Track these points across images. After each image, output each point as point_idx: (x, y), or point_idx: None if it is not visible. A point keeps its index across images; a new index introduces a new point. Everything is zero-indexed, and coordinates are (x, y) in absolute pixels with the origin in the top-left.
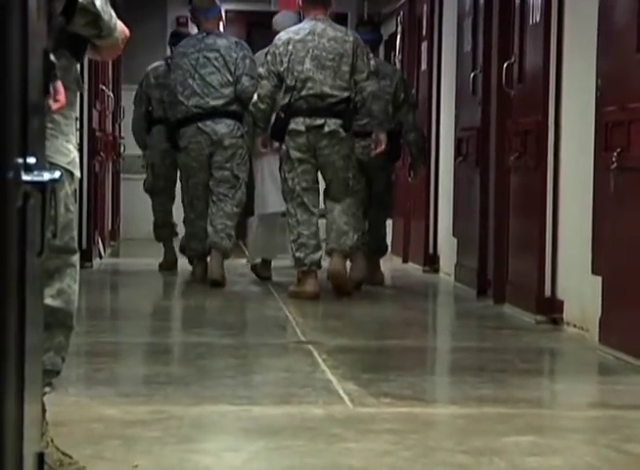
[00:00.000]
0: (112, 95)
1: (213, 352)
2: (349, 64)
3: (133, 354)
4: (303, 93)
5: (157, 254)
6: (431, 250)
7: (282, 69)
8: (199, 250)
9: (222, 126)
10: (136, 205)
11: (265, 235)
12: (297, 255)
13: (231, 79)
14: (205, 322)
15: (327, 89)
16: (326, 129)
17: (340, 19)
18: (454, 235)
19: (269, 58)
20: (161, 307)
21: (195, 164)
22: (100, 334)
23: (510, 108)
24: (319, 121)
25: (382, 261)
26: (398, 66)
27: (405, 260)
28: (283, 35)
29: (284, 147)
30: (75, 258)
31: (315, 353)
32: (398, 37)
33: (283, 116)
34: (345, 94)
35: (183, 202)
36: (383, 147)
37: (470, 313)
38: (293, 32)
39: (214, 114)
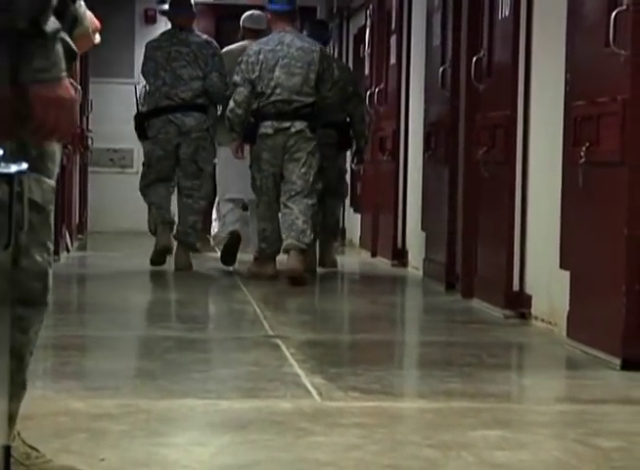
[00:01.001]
0: (79, 87)
1: (181, 346)
2: (316, 71)
3: (100, 348)
4: (272, 99)
5: (124, 247)
6: (399, 244)
7: (254, 76)
8: (163, 216)
9: (190, 119)
10: (104, 198)
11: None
12: (262, 245)
13: (200, 74)
14: (172, 316)
15: (294, 95)
16: (292, 130)
17: (309, 12)
18: (423, 229)
19: (243, 66)
20: (129, 301)
21: (161, 152)
22: (67, 327)
23: (479, 102)
24: (286, 124)
25: (351, 255)
26: (367, 59)
27: (374, 255)
28: (254, 46)
29: (255, 149)
30: None
31: (283, 347)
32: (367, 31)
33: (253, 120)
34: (310, 99)
35: (142, 189)
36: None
37: (438, 308)
38: (263, 43)
39: (183, 106)
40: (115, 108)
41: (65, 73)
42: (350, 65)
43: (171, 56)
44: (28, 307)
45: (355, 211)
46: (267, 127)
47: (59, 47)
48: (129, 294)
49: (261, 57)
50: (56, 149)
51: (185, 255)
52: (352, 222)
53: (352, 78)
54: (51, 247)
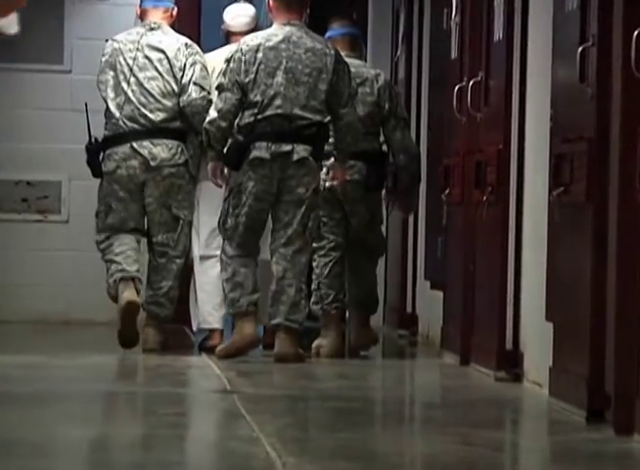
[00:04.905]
0: None
1: None
2: (328, 81)
3: None
4: (268, 113)
5: (48, 346)
6: (508, 343)
7: (247, 80)
8: (123, 269)
9: (162, 149)
10: (11, 264)
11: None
12: (232, 295)
13: (176, 89)
14: (129, 465)
15: (297, 110)
16: (294, 157)
17: None
18: (549, 319)
19: (233, 65)
20: (57, 439)
21: (123, 193)
22: None
23: None
24: (286, 148)
25: (426, 359)
26: (456, 33)
27: (465, 360)
28: (250, 40)
29: (238, 177)
30: None
31: None
32: None
33: (242, 139)
34: (318, 117)
35: (100, 243)
36: (340, 180)
37: (576, 451)
38: (263, 38)
39: (153, 131)
40: (32, 113)
41: None
42: (426, 42)
43: (137, 63)
44: None
45: (434, 286)
46: (262, 150)
47: None
48: (58, 426)
49: (260, 56)
50: None
51: (156, 331)
52: (429, 305)
53: (390, 92)
54: None
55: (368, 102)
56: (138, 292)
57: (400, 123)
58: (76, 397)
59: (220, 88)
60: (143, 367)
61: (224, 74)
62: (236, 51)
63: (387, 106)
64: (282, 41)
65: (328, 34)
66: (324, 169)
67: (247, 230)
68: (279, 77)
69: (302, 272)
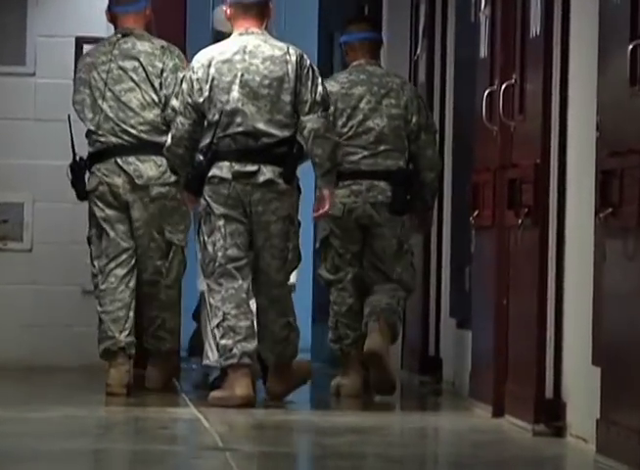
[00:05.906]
0: None
1: None
2: (291, 91)
3: None
4: (230, 131)
5: (10, 397)
6: (548, 392)
7: (201, 100)
8: (114, 338)
9: (150, 166)
10: None
11: None
12: (223, 342)
13: (156, 98)
14: None
15: (261, 126)
16: (260, 179)
17: None
18: (595, 363)
19: (185, 86)
20: None
21: (110, 212)
22: None
23: None
24: (251, 168)
25: (452, 410)
26: (485, 27)
27: (499, 412)
28: (202, 56)
29: (202, 201)
30: None
31: None
32: None
33: (202, 159)
34: (287, 133)
35: (93, 277)
36: (327, 208)
37: None
38: (216, 51)
39: (138, 146)
40: None
41: None
42: (451, 38)
43: (112, 75)
44: None
45: (461, 325)
46: (222, 169)
47: None
48: None
49: (212, 71)
50: None
51: (159, 369)
52: (455, 347)
53: (418, 103)
54: None
55: (393, 115)
56: (130, 357)
57: (432, 138)
58: (42, 456)
59: (173, 112)
60: (122, 421)
61: (176, 96)
62: (188, 69)
63: (414, 119)
64: (237, 53)
65: (343, 38)
66: (343, 191)
67: (230, 259)
68: (234, 92)
69: (288, 307)
